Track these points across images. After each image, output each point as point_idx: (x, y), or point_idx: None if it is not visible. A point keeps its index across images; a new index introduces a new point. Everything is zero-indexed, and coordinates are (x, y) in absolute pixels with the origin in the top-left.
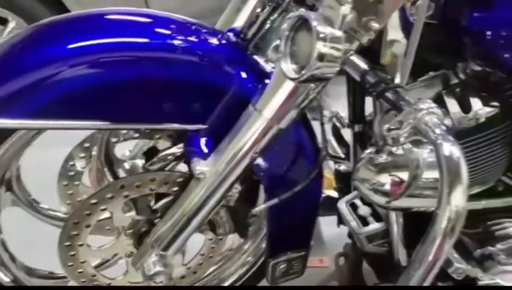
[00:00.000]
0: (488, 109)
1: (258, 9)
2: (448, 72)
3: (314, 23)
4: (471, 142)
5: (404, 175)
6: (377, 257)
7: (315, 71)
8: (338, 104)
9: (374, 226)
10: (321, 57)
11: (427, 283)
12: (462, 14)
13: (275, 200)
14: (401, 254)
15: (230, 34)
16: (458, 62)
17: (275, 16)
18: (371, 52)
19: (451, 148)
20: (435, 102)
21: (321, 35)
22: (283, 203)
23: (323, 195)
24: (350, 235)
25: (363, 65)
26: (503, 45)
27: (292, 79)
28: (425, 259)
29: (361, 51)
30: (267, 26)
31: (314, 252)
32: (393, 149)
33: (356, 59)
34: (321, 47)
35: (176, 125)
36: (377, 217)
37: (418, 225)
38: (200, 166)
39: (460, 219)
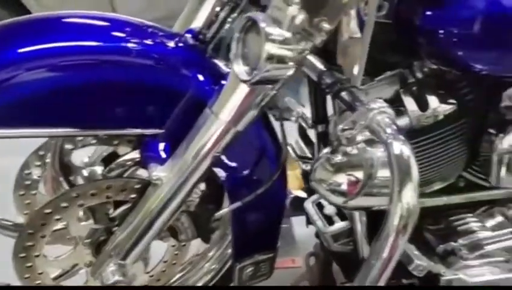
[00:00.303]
0: (446, 106)
1: (217, 9)
2: (405, 71)
3: (262, 25)
4: (430, 139)
5: (360, 174)
6: (343, 255)
7: (266, 73)
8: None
9: (339, 225)
10: (270, 58)
11: (382, 281)
12: (414, 14)
13: (238, 204)
14: (365, 252)
15: (188, 36)
16: (414, 61)
17: (234, 16)
18: (328, 52)
19: (401, 147)
20: (394, 101)
21: (269, 37)
22: (247, 206)
23: (292, 195)
24: (317, 235)
25: (320, 65)
26: (456, 44)
27: (244, 81)
28: (380, 257)
29: (319, 51)
30: (227, 26)
31: (287, 252)
32: (348, 149)
33: (313, 59)
34: (270, 48)
35: (131, 130)
36: (342, 216)
37: (381, 222)
38: (157, 172)
39: (412, 216)
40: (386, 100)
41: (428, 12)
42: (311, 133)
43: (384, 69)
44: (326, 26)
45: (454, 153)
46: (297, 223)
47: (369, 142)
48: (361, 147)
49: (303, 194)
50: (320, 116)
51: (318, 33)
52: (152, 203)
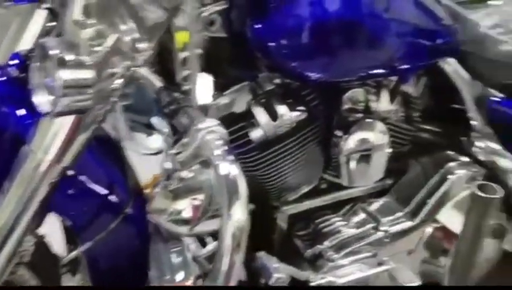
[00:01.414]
0: (295, 114)
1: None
2: (253, 84)
3: (52, 52)
4: (287, 146)
5: (200, 198)
6: None
7: (67, 102)
8: None
9: (211, 246)
10: (68, 86)
11: None
12: (245, 27)
13: (88, 244)
14: (240, 272)
15: (11, 67)
16: (258, 73)
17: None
18: (167, 70)
19: (228, 167)
20: (245, 114)
21: (63, 63)
22: (102, 244)
23: None
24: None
25: (158, 84)
26: (286, 54)
27: (48, 113)
28: (219, 278)
29: (160, 69)
30: None
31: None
32: (183, 174)
33: (151, 77)
34: (64, 75)
35: None
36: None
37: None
38: None
39: (243, 233)
40: (238, 114)
41: (257, 26)
42: None
43: (234, 83)
44: (142, 46)
45: (312, 157)
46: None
47: (205, 164)
48: (196, 169)
49: None
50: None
51: (137, 53)
52: None
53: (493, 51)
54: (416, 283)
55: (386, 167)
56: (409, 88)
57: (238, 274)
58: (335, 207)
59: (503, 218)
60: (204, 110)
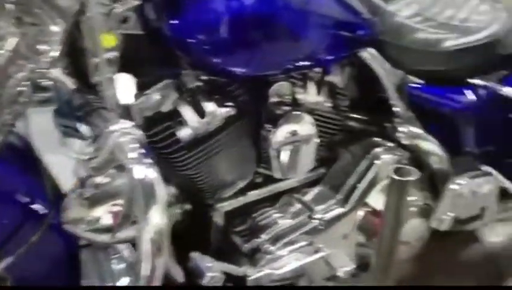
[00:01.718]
0: (223, 110)
1: None
2: (176, 81)
3: None
4: (216, 143)
5: (120, 203)
6: None
7: None
8: None
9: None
10: None
11: None
12: (161, 24)
13: (9, 259)
14: (177, 274)
15: None
16: (181, 70)
17: None
18: (81, 72)
19: (144, 171)
20: (172, 113)
21: None
22: (25, 258)
23: None
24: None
25: (72, 86)
26: (207, 51)
27: None
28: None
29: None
30: None
31: None
32: (98, 179)
33: (65, 79)
34: None
35: None
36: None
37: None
38: None
39: (163, 237)
40: (164, 113)
41: (173, 22)
42: None
43: (156, 81)
44: (46, 48)
45: (244, 152)
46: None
47: (121, 168)
48: (112, 174)
49: None
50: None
51: (40, 56)
52: None
53: (410, 39)
54: (351, 266)
55: (319, 156)
56: (335, 79)
57: (177, 275)
58: (272, 200)
59: (429, 198)
60: (126, 111)
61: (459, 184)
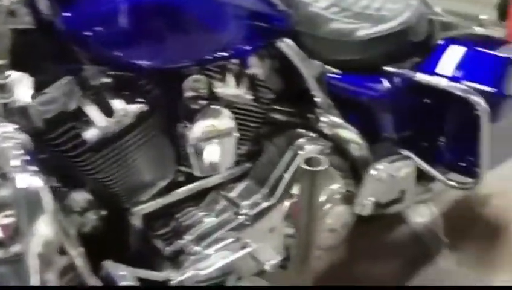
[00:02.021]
0: (134, 107)
1: None
2: (78, 78)
3: None
4: (127, 143)
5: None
6: None
7: None
8: None
9: None
10: None
11: None
12: (53, 16)
13: None
14: (92, 282)
15: None
16: (80, 65)
17: None
18: None
19: (29, 180)
20: (77, 112)
21: None
22: None
23: None
24: None
25: None
26: (105, 43)
27: None
28: None
29: None
30: None
31: None
32: None
33: None
34: None
35: None
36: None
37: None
38: None
39: (51, 249)
40: (68, 113)
41: (66, 14)
42: None
43: (55, 79)
44: None
45: (160, 151)
46: None
47: (3, 176)
48: None
49: None
50: None
51: None
52: None
53: (325, 29)
54: (277, 259)
55: (243, 150)
56: (255, 71)
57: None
58: (198, 198)
59: (352, 185)
60: (24, 112)
61: (378, 169)
